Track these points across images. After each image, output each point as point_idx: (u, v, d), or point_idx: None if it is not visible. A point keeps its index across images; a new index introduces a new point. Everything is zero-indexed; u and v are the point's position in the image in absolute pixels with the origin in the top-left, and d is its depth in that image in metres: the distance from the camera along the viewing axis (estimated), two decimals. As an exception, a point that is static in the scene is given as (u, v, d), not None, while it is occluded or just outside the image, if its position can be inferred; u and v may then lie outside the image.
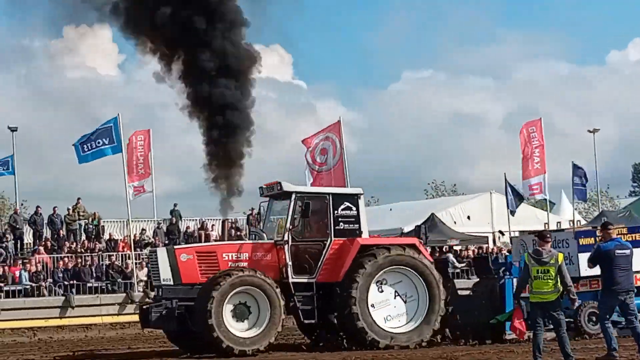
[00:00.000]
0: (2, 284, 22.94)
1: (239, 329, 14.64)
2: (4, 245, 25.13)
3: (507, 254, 24.86)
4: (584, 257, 16.17)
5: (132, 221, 26.74)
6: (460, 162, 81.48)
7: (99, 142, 24.70)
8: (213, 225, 27.65)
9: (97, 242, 26.10)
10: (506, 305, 15.86)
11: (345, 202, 15.76)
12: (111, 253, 25.80)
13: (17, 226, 26.34)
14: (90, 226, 26.52)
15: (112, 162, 25.49)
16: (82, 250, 25.37)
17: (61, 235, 26.02)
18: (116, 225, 27.50)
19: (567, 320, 14.32)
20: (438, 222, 30.52)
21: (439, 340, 15.69)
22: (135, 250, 25.42)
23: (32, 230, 26.66)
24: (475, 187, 57.58)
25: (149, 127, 28.45)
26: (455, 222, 33.82)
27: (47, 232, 26.51)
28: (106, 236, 26.64)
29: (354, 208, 15.78)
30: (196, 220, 29.35)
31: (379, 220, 33.43)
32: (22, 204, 30.51)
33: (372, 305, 15.04)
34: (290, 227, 15.31)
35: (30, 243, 26.49)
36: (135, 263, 24.69)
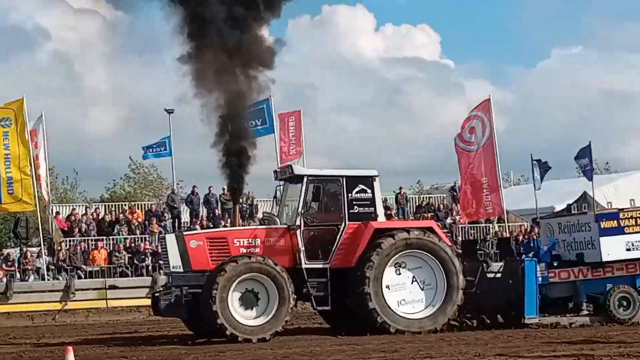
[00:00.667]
0: (161, 261, 24.52)
1: (245, 317, 14.51)
2: (162, 224, 26.61)
3: (537, 237, 24.18)
4: (605, 241, 16.06)
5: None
6: (613, 139, 77.67)
7: (251, 123, 25.59)
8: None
9: (250, 221, 26.96)
10: (526, 287, 15.77)
11: (360, 185, 15.50)
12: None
13: (175, 205, 27.70)
14: (244, 205, 27.58)
15: (264, 142, 26.26)
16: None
17: (216, 214, 27.21)
18: (268, 204, 28.44)
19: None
20: (591, 200, 29.77)
21: (461, 325, 15.49)
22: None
23: (189, 210, 28.00)
24: (628, 165, 54.86)
25: (300, 108, 29.19)
26: (610, 203, 32.94)
27: (203, 211, 27.77)
28: (259, 215, 27.65)
29: (369, 191, 15.52)
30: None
31: (528, 199, 33.06)
32: (178, 184, 31.73)
33: (387, 287, 14.84)
34: (302, 212, 15.12)
35: (187, 222, 27.64)
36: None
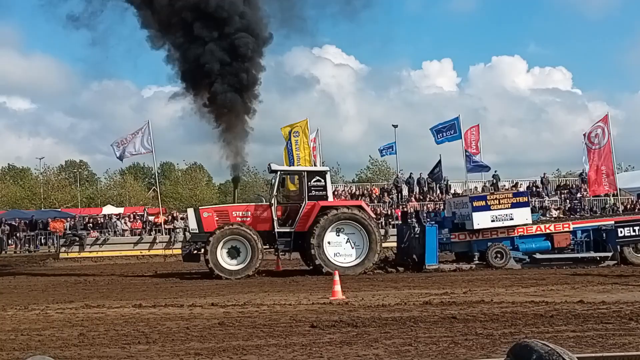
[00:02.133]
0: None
1: (230, 264, 19.20)
2: (390, 197, 37.26)
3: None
4: (476, 215, 20.27)
5: (468, 182, 39.42)
6: None
7: (447, 133, 37.76)
8: (520, 183, 39.00)
9: (446, 194, 38.45)
10: (426, 244, 19.73)
11: (316, 177, 20.19)
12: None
13: (398, 185, 38.34)
14: (442, 184, 39.67)
15: (453, 145, 38.46)
16: (437, 199, 38.66)
17: (423, 191, 38.63)
18: (458, 184, 40.25)
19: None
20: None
21: (386, 270, 19.93)
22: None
23: (407, 188, 38.49)
24: None
25: (478, 123, 40.59)
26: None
27: (415, 189, 38.49)
28: (452, 191, 39.59)
29: (322, 180, 20.08)
30: (509, 181, 40.68)
31: (635, 180, 42.19)
32: (400, 170, 43.27)
33: (329, 243, 19.40)
34: (276, 194, 19.96)
35: (406, 195, 37.93)
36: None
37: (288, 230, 19.86)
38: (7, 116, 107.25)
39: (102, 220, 35.95)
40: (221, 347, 8.54)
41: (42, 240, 35.31)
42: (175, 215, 35.53)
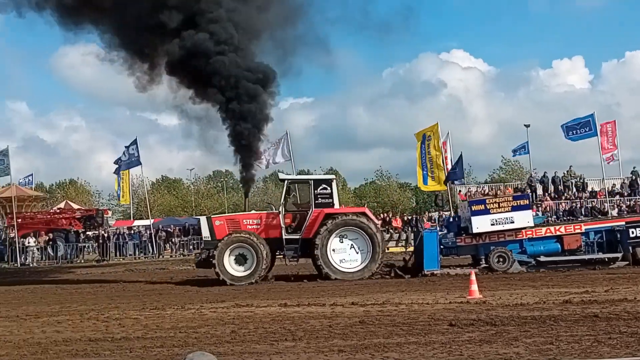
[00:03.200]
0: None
1: (237, 270, 19.07)
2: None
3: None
4: (475, 219, 19.74)
5: (605, 179, 37.43)
6: None
7: (581, 130, 36.14)
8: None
9: (583, 192, 37.32)
10: (425, 250, 19.47)
11: (323, 184, 19.95)
12: (593, 199, 36.66)
13: (532, 184, 37.82)
14: (573, 181, 38.00)
15: (588, 142, 36.84)
16: (573, 197, 37.13)
17: (559, 189, 37.58)
18: (596, 182, 38.37)
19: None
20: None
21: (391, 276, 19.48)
22: (610, 196, 36.30)
23: (541, 187, 37.74)
24: None
25: (614, 119, 38.94)
26: None
27: (550, 188, 37.76)
28: (589, 189, 37.89)
29: (329, 188, 19.82)
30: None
31: None
32: (534, 169, 42.04)
33: (334, 250, 19.19)
34: (284, 203, 19.91)
35: (540, 194, 37.13)
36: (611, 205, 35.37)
37: (296, 237, 19.68)
38: (159, 132, 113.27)
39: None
40: (363, 345, 8.60)
41: (195, 245, 36.74)
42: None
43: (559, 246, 19.95)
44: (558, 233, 20.07)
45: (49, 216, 40.08)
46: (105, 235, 38.39)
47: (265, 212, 20.65)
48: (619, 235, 20.08)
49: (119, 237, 38.35)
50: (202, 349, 8.23)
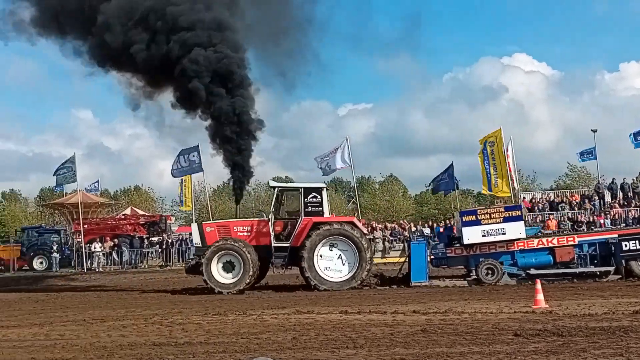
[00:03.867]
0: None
1: (225, 278, 18.98)
2: (592, 203, 35.77)
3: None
4: (466, 230, 19.49)
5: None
6: None
7: (644, 137, 35.15)
8: None
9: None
10: (411, 262, 19.62)
11: (313, 193, 19.77)
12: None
13: (600, 190, 36.86)
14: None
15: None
16: None
17: (628, 196, 36.11)
18: None
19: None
20: None
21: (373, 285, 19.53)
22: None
23: (609, 193, 36.71)
24: None
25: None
26: None
27: (619, 195, 36.49)
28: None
29: (319, 197, 19.68)
30: None
31: None
32: (602, 176, 40.14)
33: (321, 256, 19.04)
34: (273, 210, 19.82)
35: (609, 201, 36.17)
36: None
37: (285, 245, 19.48)
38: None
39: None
40: (425, 354, 8.50)
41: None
42: (374, 226, 36.04)
43: (551, 258, 19.60)
44: (550, 245, 19.74)
45: (114, 222, 41.16)
46: (169, 241, 39.09)
47: (256, 219, 20.56)
48: (612, 248, 19.57)
49: (182, 243, 38.94)
50: (264, 355, 8.30)
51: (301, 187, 20.21)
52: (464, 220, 19.71)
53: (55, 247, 38.44)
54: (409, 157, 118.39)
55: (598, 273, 19.48)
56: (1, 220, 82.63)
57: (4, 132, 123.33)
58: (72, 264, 37.94)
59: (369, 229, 34.63)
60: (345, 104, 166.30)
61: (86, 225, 38.42)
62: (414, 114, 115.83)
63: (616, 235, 19.87)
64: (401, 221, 40.97)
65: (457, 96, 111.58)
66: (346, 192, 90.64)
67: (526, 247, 19.68)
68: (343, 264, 19.16)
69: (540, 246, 19.70)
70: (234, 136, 21.69)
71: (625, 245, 19.17)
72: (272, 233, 19.56)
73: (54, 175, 39.12)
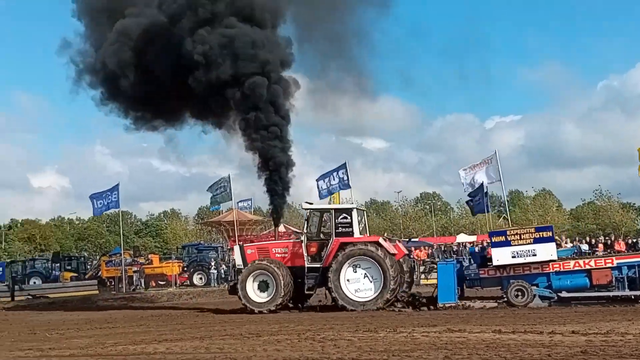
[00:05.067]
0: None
1: (260, 297, 19.76)
2: None
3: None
4: (495, 251, 19.13)
5: None
6: None
7: None
8: None
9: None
10: (438, 282, 19.42)
11: (343, 214, 20.13)
12: None
13: None
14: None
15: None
16: None
17: None
18: None
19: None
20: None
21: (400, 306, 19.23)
22: None
23: None
24: None
25: None
26: None
27: None
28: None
29: (349, 217, 19.95)
30: None
31: None
32: None
33: (348, 280, 19.30)
34: (306, 231, 20.36)
35: None
36: None
37: (317, 265, 19.76)
38: (364, 155, 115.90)
39: (457, 248, 36.69)
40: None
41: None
42: (527, 241, 34.85)
43: (588, 281, 18.88)
44: (587, 267, 19.00)
45: (268, 239, 42.37)
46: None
47: (291, 240, 21.04)
48: None
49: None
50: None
51: (332, 209, 20.85)
52: (493, 240, 19.60)
53: (213, 264, 40.29)
54: (562, 170, 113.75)
55: (633, 297, 18.55)
56: (164, 237, 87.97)
57: (164, 154, 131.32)
58: (229, 279, 39.51)
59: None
60: (492, 116, 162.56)
61: (241, 242, 39.85)
62: (566, 124, 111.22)
63: None
64: (556, 237, 39.26)
65: (612, 104, 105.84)
66: (496, 207, 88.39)
67: (562, 269, 19.13)
68: (371, 283, 19.37)
69: (576, 268, 19.09)
70: (278, 178, 22.57)
71: None
72: (305, 254, 20.05)
73: (208, 191, 41.01)
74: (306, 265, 19.99)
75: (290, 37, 24.04)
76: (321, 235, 20.60)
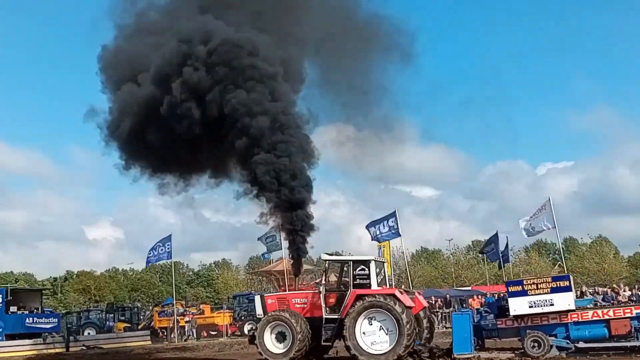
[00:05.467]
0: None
1: (278, 348, 19.94)
2: None
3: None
4: (512, 301, 19.13)
5: None
6: None
7: None
8: None
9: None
10: (453, 333, 19.57)
11: (361, 265, 19.99)
12: None
13: None
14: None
15: None
16: None
17: None
18: None
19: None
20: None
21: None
22: None
23: None
24: None
25: None
26: None
27: None
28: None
29: (367, 269, 19.87)
30: None
31: None
32: None
33: (364, 333, 19.17)
34: (324, 283, 20.41)
35: None
36: None
37: (336, 317, 19.80)
38: (414, 204, 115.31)
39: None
40: None
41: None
42: (583, 290, 34.03)
43: (606, 331, 18.73)
44: (606, 317, 18.85)
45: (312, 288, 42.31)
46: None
47: (309, 291, 21.09)
48: None
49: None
50: None
51: (350, 260, 20.63)
52: (510, 290, 19.55)
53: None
54: (618, 216, 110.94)
55: None
56: (215, 287, 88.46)
57: (216, 206, 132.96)
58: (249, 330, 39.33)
59: (578, 293, 32.67)
60: (544, 162, 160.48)
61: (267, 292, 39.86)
62: (620, 169, 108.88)
63: None
64: (614, 285, 38.21)
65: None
66: (551, 255, 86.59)
67: (580, 319, 19.02)
68: (386, 335, 19.18)
69: (595, 318, 18.95)
70: (296, 227, 22.07)
71: None
72: (323, 305, 20.11)
73: (259, 240, 41.24)
74: (324, 316, 20.01)
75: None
76: (341, 287, 20.61)
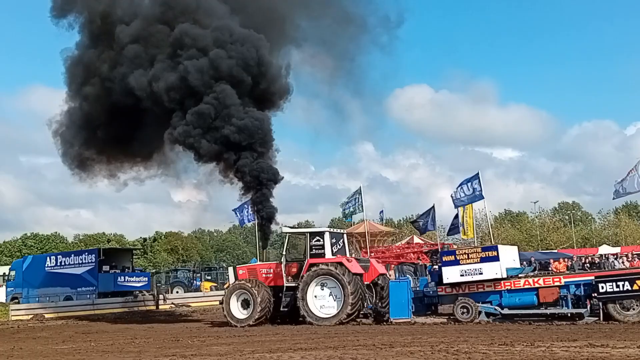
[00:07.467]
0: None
1: (243, 314, 21.84)
2: None
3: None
4: (445, 269, 20.47)
5: None
6: None
7: None
8: None
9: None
10: (390, 299, 20.74)
11: (317, 237, 21.77)
12: None
13: None
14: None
15: None
16: None
17: None
18: None
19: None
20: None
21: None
22: None
23: None
24: None
25: None
26: None
27: None
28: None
29: (322, 240, 21.65)
30: None
31: None
32: None
33: (316, 297, 21.01)
34: (284, 253, 22.29)
35: None
36: None
37: (294, 285, 21.59)
38: (495, 166, 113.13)
39: (598, 260, 35.06)
40: None
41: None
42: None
43: (535, 299, 19.64)
44: (536, 285, 19.78)
45: (399, 250, 42.54)
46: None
47: (274, 262, 23.23)
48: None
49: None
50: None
51: (307, 232, 22.64)
52: (444, 260, 20.75)
53: (345, 275, 40.66)
54: None
55: (569, 315, 18.96)
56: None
57: (296, 168, 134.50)
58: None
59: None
60: (634, 122, 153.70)
61: (373, 253, 40.18)
62: None
63: (592, 278, 19.32)
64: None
65: None
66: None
67: (513, 287, 19.97)
68: (334, 301, 20.91)
69: (526, 286, 19.88)
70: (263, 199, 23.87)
71: (602, 288, 18.56)
72: (284, 274, 22.01)
73: (340, 207, 41.64)
74: (285, 285, 21.92)
75: None
76: (301, 257, 22.36)
